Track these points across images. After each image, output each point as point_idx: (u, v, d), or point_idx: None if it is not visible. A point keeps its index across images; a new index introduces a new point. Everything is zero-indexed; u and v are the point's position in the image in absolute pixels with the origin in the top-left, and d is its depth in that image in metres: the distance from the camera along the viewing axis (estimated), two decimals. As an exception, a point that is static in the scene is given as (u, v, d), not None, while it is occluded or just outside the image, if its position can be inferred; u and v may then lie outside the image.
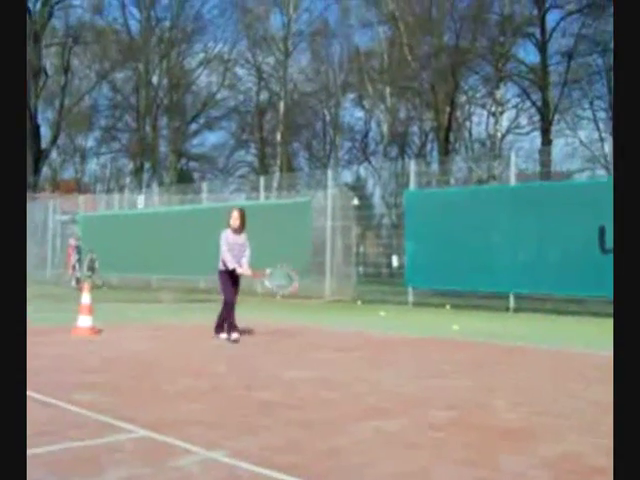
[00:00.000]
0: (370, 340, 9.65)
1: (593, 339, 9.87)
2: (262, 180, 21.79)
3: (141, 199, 26.03)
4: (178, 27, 39.85)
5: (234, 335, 8.84)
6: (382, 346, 8.92)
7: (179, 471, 3.45)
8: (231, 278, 9.05)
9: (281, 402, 5.13)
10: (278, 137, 38.83)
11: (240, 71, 41.69)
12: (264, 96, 41.16)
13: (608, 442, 4.08)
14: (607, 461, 3.70)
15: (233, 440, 4.00)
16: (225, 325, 9.02)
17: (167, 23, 40.16)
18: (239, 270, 8.98)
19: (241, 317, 8.99)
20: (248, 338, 9.18)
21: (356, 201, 19.50)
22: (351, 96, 39.69)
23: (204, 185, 24.28)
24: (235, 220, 9.14)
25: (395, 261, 18.49)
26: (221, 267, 9.04)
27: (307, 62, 40.49)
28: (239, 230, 9.16)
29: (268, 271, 9.25)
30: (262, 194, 21.31)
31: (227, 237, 9.08)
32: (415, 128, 38.25)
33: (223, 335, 8.99)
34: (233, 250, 9.00)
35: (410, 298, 16.51)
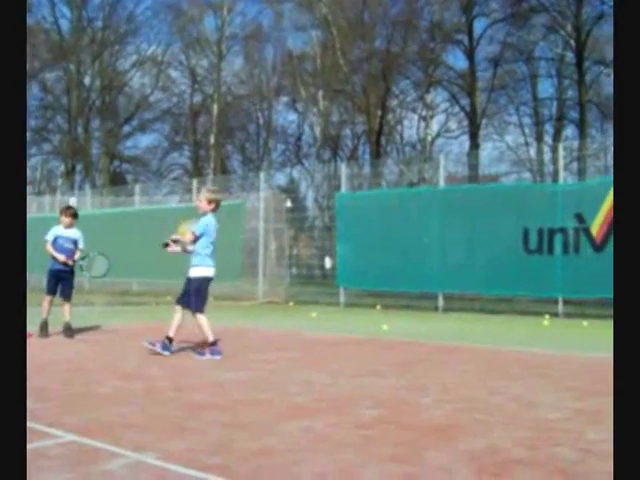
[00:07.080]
0: (301, 341, 9.72)
1: (519, 337, 10.18)
2: (195, 182, 21.68)
3: (73, 201, 25.53)
4: (110, 28, 39.18)
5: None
6: (312, 346, 9.00)
7: (107, 475, 3.45)
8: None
9: (213, 404, 5.15)
10: (212, 140, 38.66)
11: (174, 73, 41.39)
12: (198, 98, 40.94)
13: (527, 435, 4.25)
14: (526, 453, 3.87)
15: (163, 442, 4.02)
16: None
17: (99, 23, 39.47)
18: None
19: (167, 320, 8.84)
20: (181, 341, 9.11)
21: (289, 203, 19.58)
22: (284, 99, 39.83)
23: (137, 187, 23.99)
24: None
25: (328, 262, 18.64)
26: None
27: (241, 65, 40.46)
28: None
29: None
30: (195, 196, 21.15)
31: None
32: (347, 131, 38.59)
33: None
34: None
35: (341, 299, 16.66)
